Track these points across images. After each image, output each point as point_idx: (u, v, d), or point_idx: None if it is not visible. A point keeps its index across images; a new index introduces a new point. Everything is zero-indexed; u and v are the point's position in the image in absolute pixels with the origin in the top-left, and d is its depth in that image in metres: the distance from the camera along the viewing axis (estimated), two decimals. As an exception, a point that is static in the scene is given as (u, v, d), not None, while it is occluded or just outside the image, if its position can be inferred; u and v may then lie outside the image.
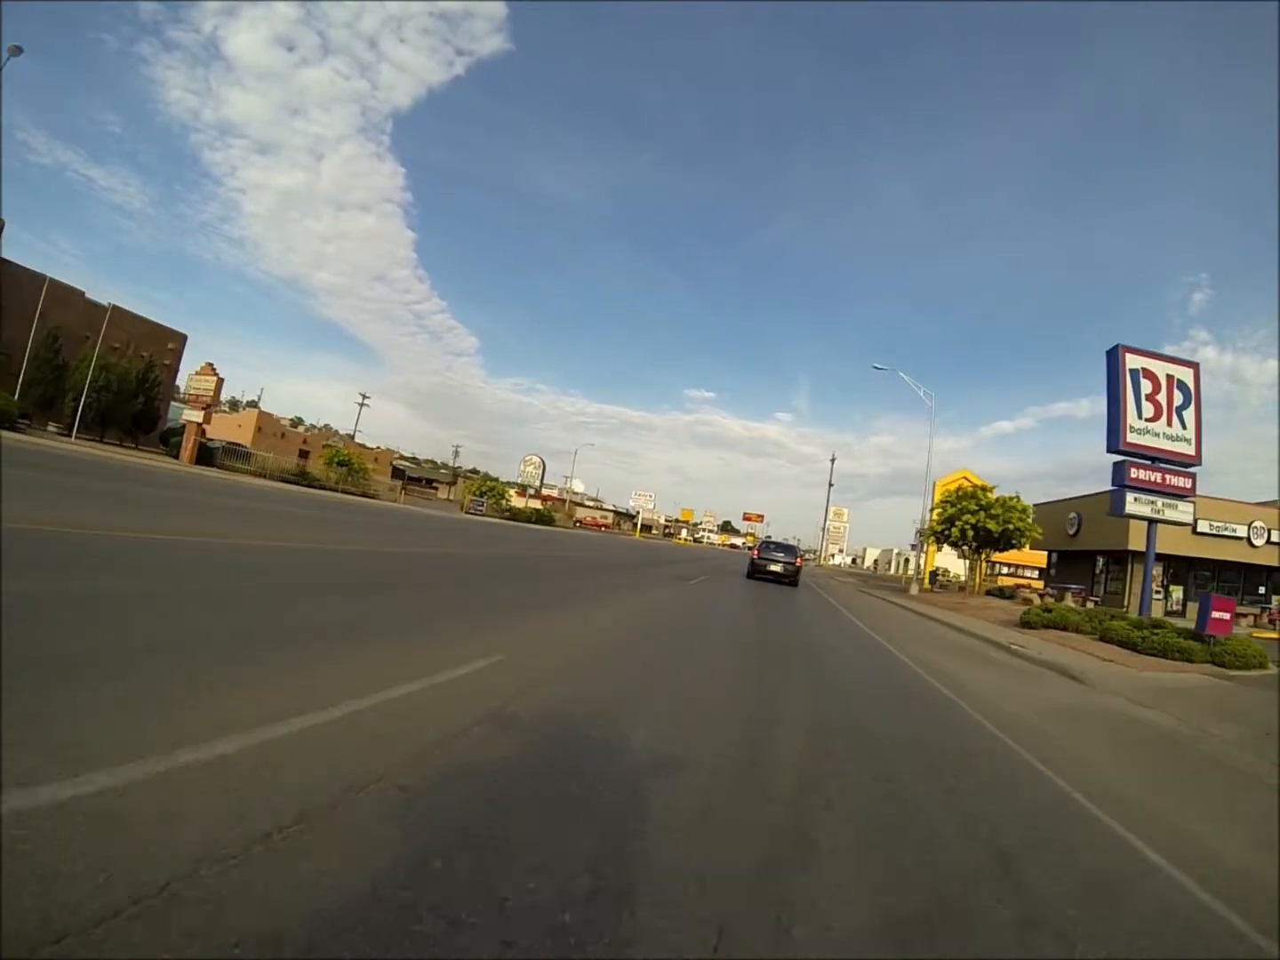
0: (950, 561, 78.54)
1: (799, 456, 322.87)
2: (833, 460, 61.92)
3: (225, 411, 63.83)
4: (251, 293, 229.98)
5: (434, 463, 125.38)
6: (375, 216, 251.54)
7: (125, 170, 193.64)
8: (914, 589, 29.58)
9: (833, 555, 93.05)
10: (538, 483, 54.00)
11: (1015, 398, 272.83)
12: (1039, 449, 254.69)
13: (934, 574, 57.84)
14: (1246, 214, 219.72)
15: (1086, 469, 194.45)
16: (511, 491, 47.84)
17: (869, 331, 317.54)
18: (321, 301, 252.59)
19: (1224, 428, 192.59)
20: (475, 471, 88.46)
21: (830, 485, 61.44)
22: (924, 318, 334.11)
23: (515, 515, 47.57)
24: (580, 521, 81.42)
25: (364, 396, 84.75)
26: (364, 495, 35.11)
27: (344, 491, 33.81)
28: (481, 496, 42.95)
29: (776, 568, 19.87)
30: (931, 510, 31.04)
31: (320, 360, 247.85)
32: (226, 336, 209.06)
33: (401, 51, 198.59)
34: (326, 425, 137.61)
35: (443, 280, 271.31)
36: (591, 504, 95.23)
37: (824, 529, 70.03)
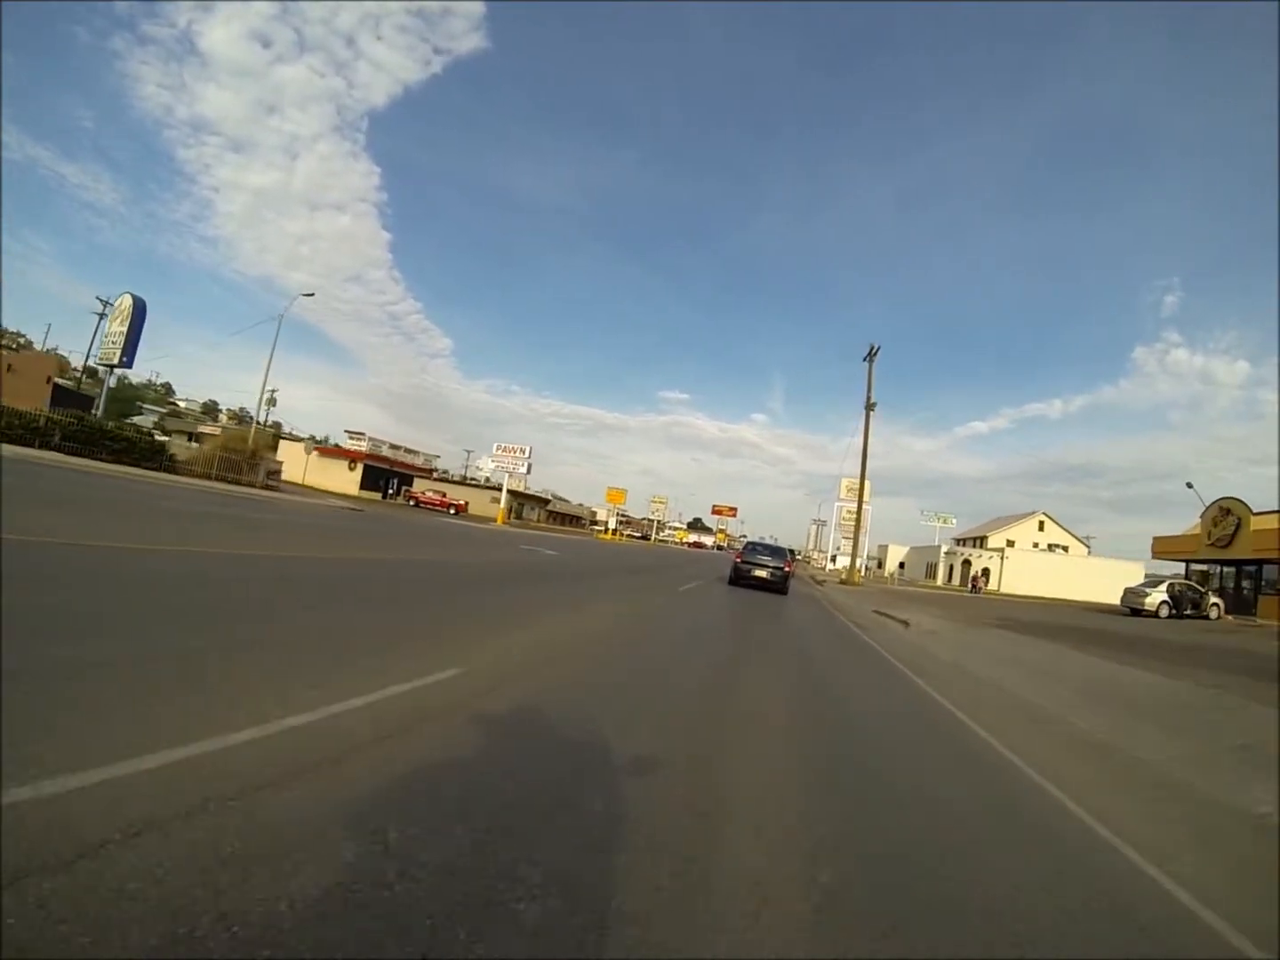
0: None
1: (774, 458, 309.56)
2: (870, 354, 29.30)
3: None
4: (225, 294, 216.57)
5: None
6: (350, 216, 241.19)
7: (97, 167, 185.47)
8: None
9: (833, 557, 60.95)
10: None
11: (989, 399, 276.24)
12: (1012, 449, 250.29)
13: (1184, 597, 24.39)
14: (1218, 218, 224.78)
15: (1059, 469, 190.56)
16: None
17: (844, 332, 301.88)
18: (296, 302, 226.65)
19: (1189, 429, 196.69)
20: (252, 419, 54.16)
21: (870, 406, 28.60)
22: (899, 319, 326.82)
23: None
24: (418, 499, 48.10)
25: (102, 302, 52.08)
26: None
27: None
28: None
29: (762, 573, 16.46)
30: None
31: (294, 363, 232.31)
32: (200, 340, 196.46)
33: (378, 49, 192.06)
34: (242, 408, 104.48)
35: (418, 282, 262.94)
36: (458, 482, 61.39)
37: (855, 511, 37.84)
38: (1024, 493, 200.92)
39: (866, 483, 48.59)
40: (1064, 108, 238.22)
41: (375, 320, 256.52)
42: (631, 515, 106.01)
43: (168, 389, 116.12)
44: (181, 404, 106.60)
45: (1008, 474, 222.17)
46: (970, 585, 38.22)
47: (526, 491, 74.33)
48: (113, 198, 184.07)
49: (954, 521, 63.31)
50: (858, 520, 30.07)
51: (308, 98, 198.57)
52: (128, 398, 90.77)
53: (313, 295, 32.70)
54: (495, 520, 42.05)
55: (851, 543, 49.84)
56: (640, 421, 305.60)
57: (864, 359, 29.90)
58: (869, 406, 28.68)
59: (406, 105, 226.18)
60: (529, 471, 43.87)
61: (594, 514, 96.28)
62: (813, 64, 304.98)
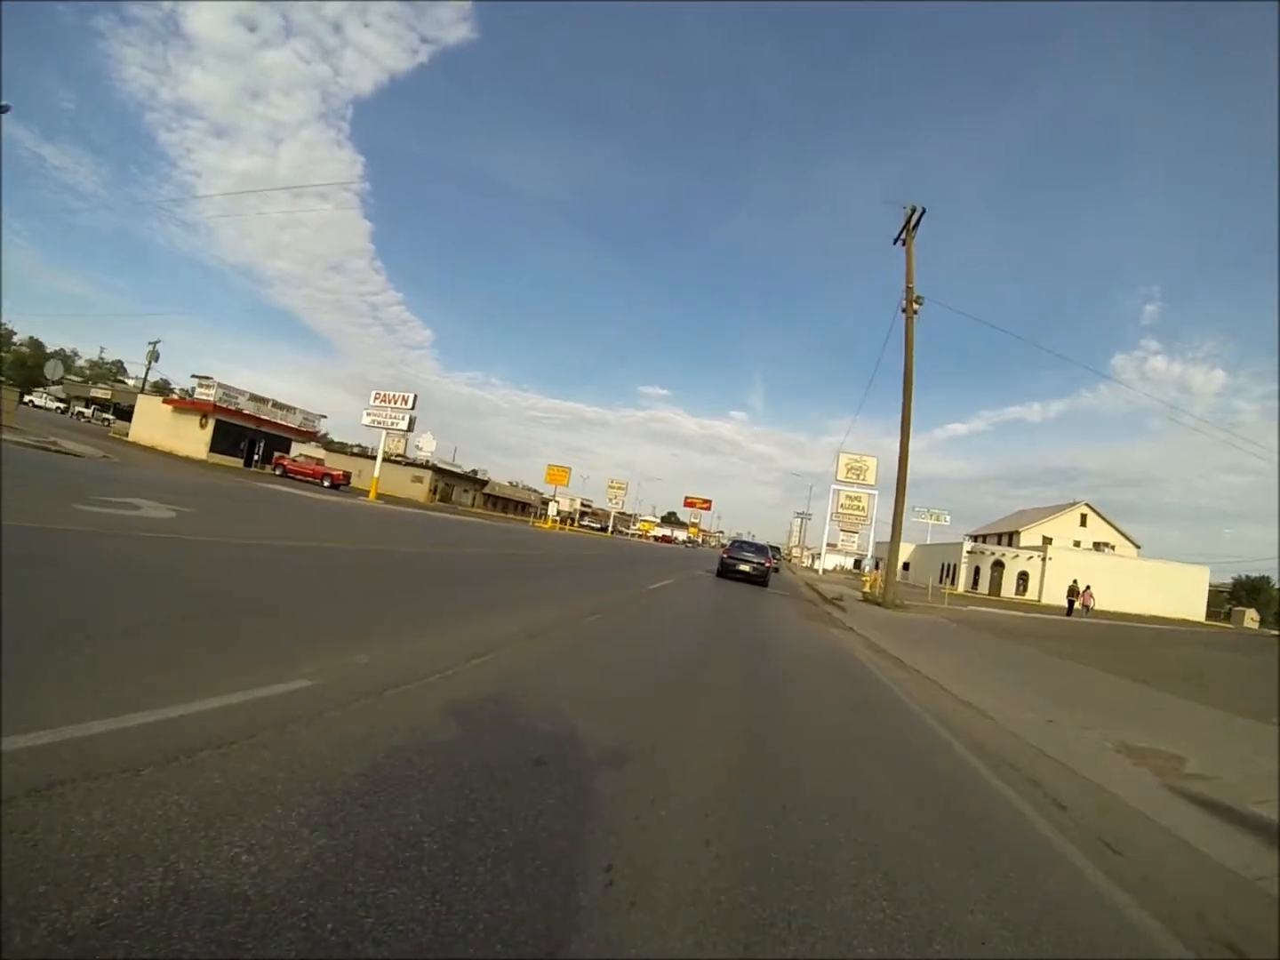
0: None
1: (752, 455, 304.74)
2: (908, 224, 18.37)
3: None
4: (204, 279, 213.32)
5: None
6: (333, 205, 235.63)
7: (78, 149, 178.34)
8: None
9: (822, 554, 50.06)
10: None
11: (968, 401, 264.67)
12: (991, 452, 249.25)
13: None
14: (1200, 228, 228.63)
15: (1036, 472, 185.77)
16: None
17: (825, 332, 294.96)
18: (276, 290, 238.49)
19: (1167, 435, 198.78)
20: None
21: (913, 305, 17.60)
22: (880, 319, 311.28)
23: None
24: (287, 468, 36.23)
25: None
26: None
27: None
28: None
29: (746, 568, 18.98)
30: None
31: (273, 350, 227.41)
32: (178, 325, 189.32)
33: (365, 36, 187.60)
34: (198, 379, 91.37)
35: (399, 273, 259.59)
36: (349, 452, 49.38)
37: (856, 497, 27.13)
38: (1001, 495, 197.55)
39: (872, 462, 36.64)
40: (1050, 111, 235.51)
41: (356, 310, 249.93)
42: (601, 507, 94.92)
43: (119, 367, 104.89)
44: (131, 381, 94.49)
45: (985, 476, 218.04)
46: (1069, 604, 26.70)
47: (459, 470, 62.47)
48: (93, 181, 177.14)
49: (947, 519, 52.91)
50: (899, 500, 18.51)
51: (293, 84, 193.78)
52: (39, 364, 78.02)
53: (9, 109, 19.84)
54: (369, 495, 30.41)
55: (849, 535, 38.40)
56: (620, 416, 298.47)
57: (895, 240, 18.83)
58: (910, 307, 17.59)
59: (392, 94, 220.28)
60: (410, 427, 32.26)
61: (557, 503, 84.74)
62: (799, 63, 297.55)
